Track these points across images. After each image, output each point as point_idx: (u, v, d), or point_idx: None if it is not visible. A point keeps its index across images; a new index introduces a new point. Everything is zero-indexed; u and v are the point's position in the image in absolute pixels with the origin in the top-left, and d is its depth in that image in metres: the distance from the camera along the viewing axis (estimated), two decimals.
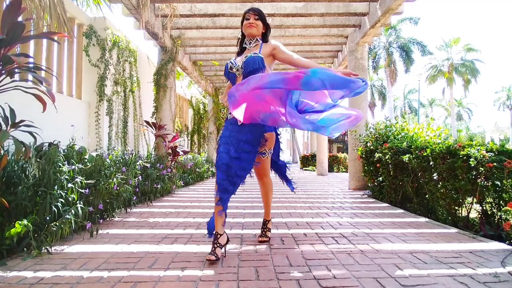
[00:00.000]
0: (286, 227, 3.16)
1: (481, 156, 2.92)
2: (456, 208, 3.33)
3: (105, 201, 3.33)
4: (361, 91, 2.16)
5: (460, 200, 3.24)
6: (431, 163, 3.48)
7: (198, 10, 5.71)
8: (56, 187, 2.61)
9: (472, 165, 2.93)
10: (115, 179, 3.37)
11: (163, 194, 5.32)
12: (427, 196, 3.77)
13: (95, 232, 2.79)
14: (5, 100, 2.47)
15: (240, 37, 2.58)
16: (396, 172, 4.33)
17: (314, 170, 13.64)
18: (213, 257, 2.07)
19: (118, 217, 3.58)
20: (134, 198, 4.10)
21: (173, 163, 6.19)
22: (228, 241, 2.32)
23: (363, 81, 2.10)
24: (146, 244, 2.55)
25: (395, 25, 25.70)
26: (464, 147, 3.14)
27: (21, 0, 2.29)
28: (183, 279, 1.86)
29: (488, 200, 3.07)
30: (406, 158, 3.87)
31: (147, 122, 6.02)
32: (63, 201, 2.61)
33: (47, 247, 2.33)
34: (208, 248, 2.43)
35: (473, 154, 2.97)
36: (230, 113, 2.44)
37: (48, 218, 2.48)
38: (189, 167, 7.55)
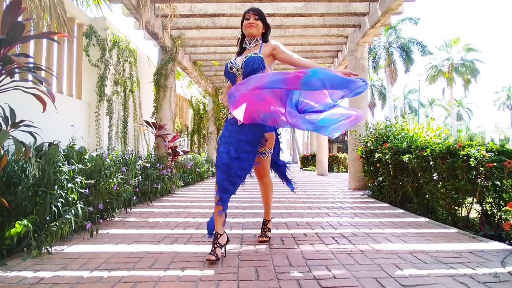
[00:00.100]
0: (286, 227, 3.16)
1: (481, 156, 2.92)
2: (456, 208, 3.33)
3: (105, 201, 3.33)
4: (361, 91, 2.17)
5: (460, 200, 3.24)
6: (431, 163, 3.48)
7: (198, 10, 5.71)
8: (56, 187, 2.61)
9: (472, 165, 2.93)
10: (115, 179, 3.37)
11: (163, 194, 5.32)
12: (427, 196, 3.77)
13: (95, 232, 2.79)
14: (5, 100, 2.47)
15: (240, 37, 2.58)
16: (396, 172, 4.33)
17: (314, 170, 13.64)
18: (213, 257, 2.07)
19: (118, 217, 3.58)
20: (134, 198, 4.10)
21: (173, 163, 6.19)
22: (228, 241, 2.32)
23: (363, 81, 2.11)
24: (146, 244, 2.55)
25: (395, 25, 25.70)
26: (464, 147, 3.14)
27: (21, 0, 2.29)
28: (183, 279, 1.86)
29: (488, 200, 3.07)
30: (406, 158, 3.87)
31: (147, 122, 6.02)
32: (63, 201, 2.61)
33: (47, 247, 2.33)
34: (208, 248, 2.43)
35: (473, 154, 2.97)
36: (230, 113, 2.44)
37: (48, 218, 2.48)
38: (189, 167, 7.55)
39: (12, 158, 2.58)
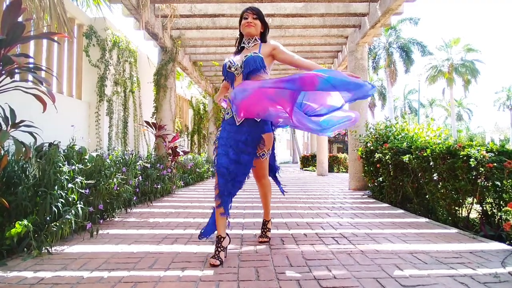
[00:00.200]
0: (286, 227, 3.16)
1: (481, 156, 2.92)
2: (456, 208, 3.33)
3: (105, 201, 3.34)
4: (371, 94, 2.18)
5: (460, 201, 3.24)
6: (431, 163, 3.48)
7: (198, 10, 5.71)
8: (56, 187, 2.61)
9: (472, 165, 2.93)
10: (115, 179, 3.37)
11: (163, 194, 5.32)
12: (427, 196, 3.77)
13: (95, 232, 2.79)
14: (5, 100, 2.48)
15: (239, 36, 2.54)
16: (396, 173, 4.33)
17: (314, 171, 13.64)
18: (217, 262, 2.06)
19: (118, 217, 3.58)
20: (134, 198, 4.10)
21: (173, 163, 6.19)
22: (229, 241, 2.32)
23: (370, 84, 2.14)
24: (146, 244, 2.55)
25: (395, 26, 25.71)
26: (464, 148, 3.14)
27: (21, 0, 2.30)
28: (183, 279, 1.86)
29: (488, 201, 3.07)
30: (406, 158, 3.87)
31: (147, 123, 6.02)
32: (63, 201, 2.61)
33: (47, 247, 2.33)
34: (208, 248, 2.44)
35: (473, 154, 2.97)
36: (227, 113, 2.42)
37: (48, 218, 2.49)
38: (189, 167, 7.55)
39: (12, 158, 2.58)
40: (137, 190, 4.40)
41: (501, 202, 2.94)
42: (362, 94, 2.17)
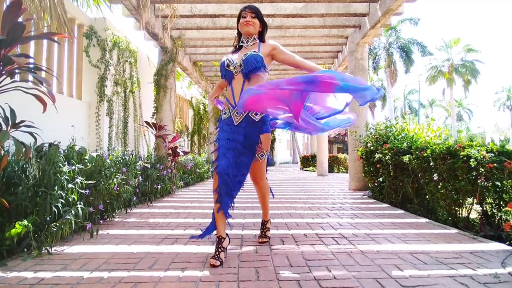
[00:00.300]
0: (286, 228, 3.16)
1: (481, 156, 2.92)
2: (457, 208, 3.33)
3: (105, 201, 3.34)
4: (378, 97, 2.17)
5: (461, 201, 3.24)
6: (431, 163, 3.48)
7: (198, 10, 5.71)
8: (56, 188, 2.61)
9: (472, 165, 2.93)
10: (115, 180, 3.37)
11: (163, 195, 5.32)
12: (427, 196, 3.77)
13: (95, 233, 2.79)
14: (5, 101, 2.48)
15: (237, 35, 2.51)
16: (396, 173, 4.33)
17: (314, 171, 13.64)
18: (218, 262, 2.06)
19: (118, 217, 3.58)
20: (134, 198, 4.10)
21: (173, 164, 6.19)
22: (229, 242, 2.32)
23: (377, 89, 2.14)
24: (146, 245, 2.55)
25: (395, 26, 25.71)
26: (464, 148, 3.14)
27: (22, 0, 2.30)
28: (183, 280, 1.86)
29: (488, 201, 3.07)
30: (406, 158, 3.87)
31: (147, 123, 6.02)
32: (63, 201, 2.61)
33: (47, 248, 2.33)
34: (208, 248, 2.44)
35: (473, 154, 2.97)
36: (224, 113, 2.41)
37: (48, 218, 2.49)
38: (189, 168, 7.55)
39: (13, 158, 2.58)
40: (137, 190, 4.40)
41: (501, 202, 2.94)
42: (371, 97, 2.17)
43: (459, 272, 1.97)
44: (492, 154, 2.98)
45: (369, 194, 5.49)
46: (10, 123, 2.38)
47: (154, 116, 6.54)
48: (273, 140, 23.39)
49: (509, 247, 2.46)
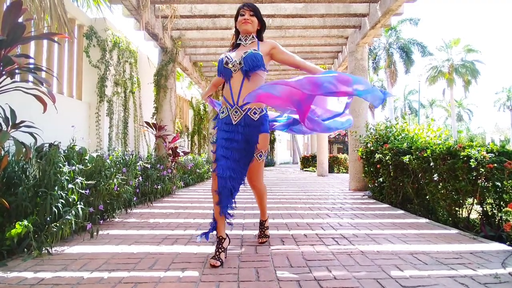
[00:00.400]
0: (286, 228, 3.16)
1: (482, 157, 2.92)
2: (457, 209, 3.33)
3: (106, 201, 3.34)
4: (383, 99, 2.16)
5: (461, 201, 3.24)
6: (431, 164, 3.47)
7: (199, 11, 5.71)
8: (56, 188, 2.62)
9: (473, 166, 2.93)
10: (115, 180, 3.37)
11: (164, 195, 5.32)
12: (427, 197, 3.77)
13: (95, 233, 2.79)
14: (5, 101, 2.48)
15: (234, 33, 2.48)
16: (396, 173, 4.33)
17: (315, 171, 13.63)
18: (218, 263, 2.05)
19: (118, 217, 3.58)
20: (135, 198, 4.10)
21: (173, 164, 6.19)
22: (229, 242, 2.31)
23: (382, 92, 2.13)
24: (146, 245, 2.55)
25: (395, 26, 25.71)
26: (465, 148, 3.14)
27: (22, 1, 2.30)
28: (183, 280, 1.86)
29: (488, 201, 3.07)
30: (406, 159, 3.87)
31: (148, 123, 6.02)
32: (63, 201, 2.61)
33: (48, 248, 2.33)
34: (208, 249, 2.44)
35: (473, 155, 2.97)
36: (222, 112, 2.36)
37: (48, 218, 2.49)
38: (189, 168, 7.55)
39: (13, 158, 2.58)
40: (137, 190, 4.40)
41: (502, 202, 2.94)
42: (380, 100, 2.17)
43: (459, 272, 1.96)
44: (492, 154, 2.98)
45: (369, 194, 5.49)
46: (10, 123, 2.38)
47: (154, 117, 6.54)
48: (273, 140, 23.38)
49: (509, 248, 2.46)
